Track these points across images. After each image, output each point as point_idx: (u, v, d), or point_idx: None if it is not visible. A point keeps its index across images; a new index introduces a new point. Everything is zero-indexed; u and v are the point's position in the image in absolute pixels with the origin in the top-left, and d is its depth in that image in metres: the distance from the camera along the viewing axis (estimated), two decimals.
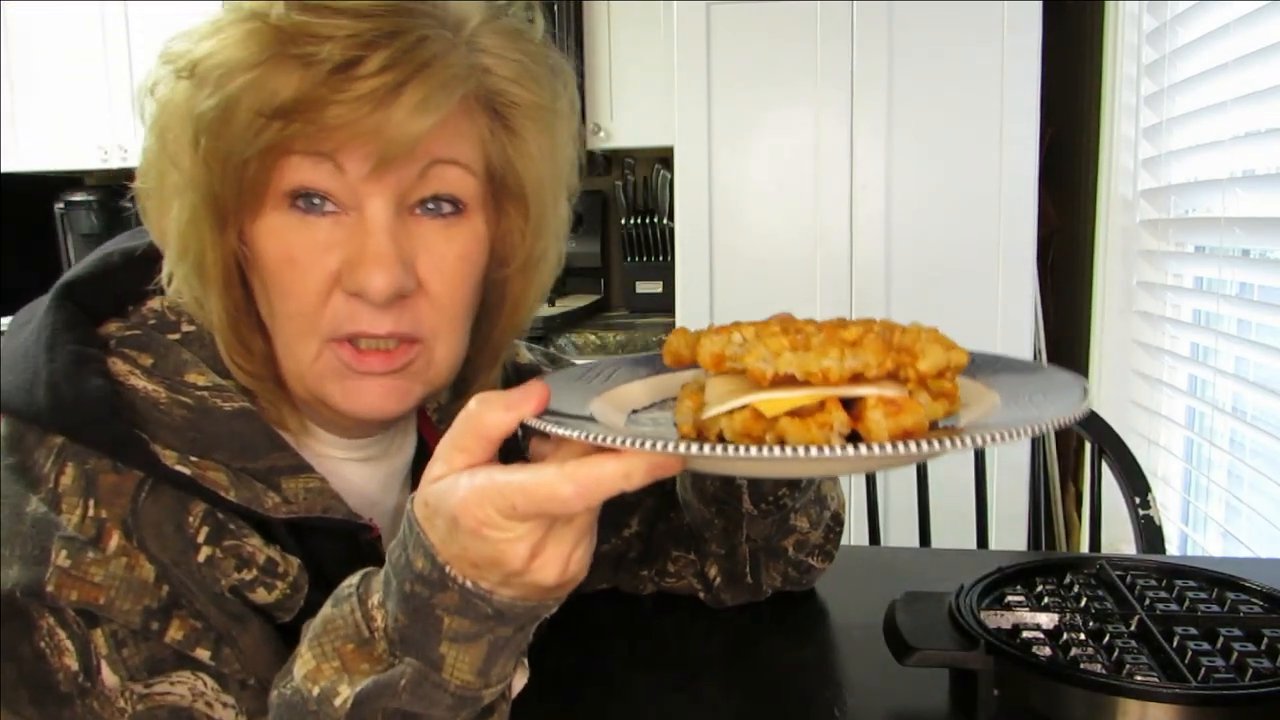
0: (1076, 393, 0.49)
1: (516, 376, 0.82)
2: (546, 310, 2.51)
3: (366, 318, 0.59)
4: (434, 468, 0.49)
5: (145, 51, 2.72)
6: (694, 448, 0.42)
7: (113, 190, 2.88)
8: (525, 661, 0.56)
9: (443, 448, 0.49)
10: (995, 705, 0.66)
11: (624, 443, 0.44)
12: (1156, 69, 1.95)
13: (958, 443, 0.44)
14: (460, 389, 0.72)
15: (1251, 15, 1.55)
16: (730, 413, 0.49)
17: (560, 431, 0.45)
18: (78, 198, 2.87)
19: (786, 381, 0.48)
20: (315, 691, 0.51)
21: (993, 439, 0.43)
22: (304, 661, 0.52)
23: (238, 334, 0.62)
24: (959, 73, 2.09)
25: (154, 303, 0.66)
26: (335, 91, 0.54)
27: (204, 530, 0.58)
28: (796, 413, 0.47)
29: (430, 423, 0.75)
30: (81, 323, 0.62)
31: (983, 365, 0.58)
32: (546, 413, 0.49)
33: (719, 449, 0.43)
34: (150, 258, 0.65)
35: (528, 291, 0.70)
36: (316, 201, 0.58)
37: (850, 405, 0.48)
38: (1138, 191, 2.06)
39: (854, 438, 0.47)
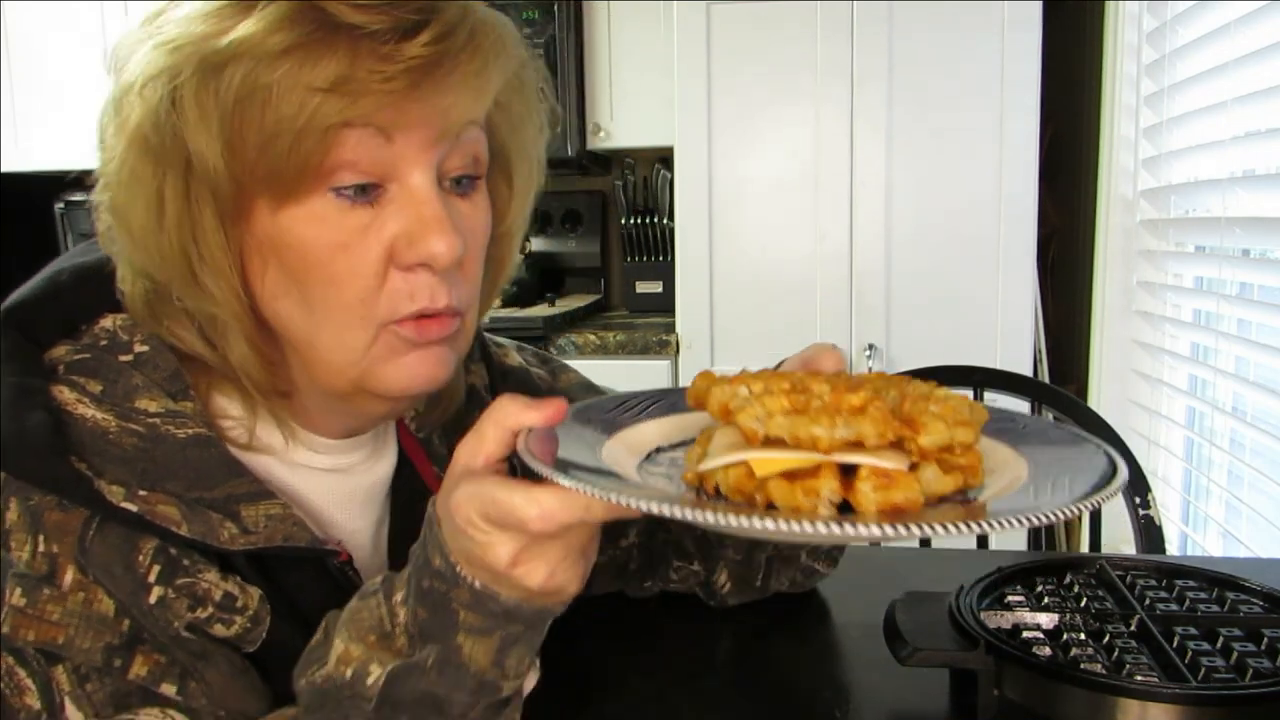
0: (1088, 483, 0.49)
1: (503, 381, 0.81)
2: (546, 310, 2.51)
3: (427, 293, 0.59)
4: (456, 454, 0.53)
5: None
6: (642, 504, 0.44)
7: None
8: (538, 662, 0.58)
9: (466, 437, 0.53)
10: (995, 705, 0.66)
11: (595, 493, 0.45)
12: (1156, 69, 1.95)
13: (937, 529, 0.42)
14: None
15: (1251, 15, 1.55)
16: (728, 466, 0.49)
17: (535, 466, 0.48)
18: (78, 198, 2.86)
19: (782, 442, 0.47)
20: (348, 674, 0.53)
21: (973, 527, 0.43)
22: (334, 648, 0.54)
23: (250, 340, 0.60)
24: (959, 72, 2.09)
25: (106, 321, 0.63)
26: (388, 63, 0.53)
27: (155, 569, 0.56)
28: (792, 475, 0.47)
29: (409, 432, 0.74)
30: (24, 350, 0.59)
31: (1033, 433, 0.57)
32: (564, 457, 0.51)
33: (652, 505, 0.44)
34: (106, 273, 0.62)
35: (509, 257, 0.71)
36: (367, 189, 0.57)
37: (851, 473, 0.48)
38: (1138, 191, 2.06)
39: (846, 507, 0.47)
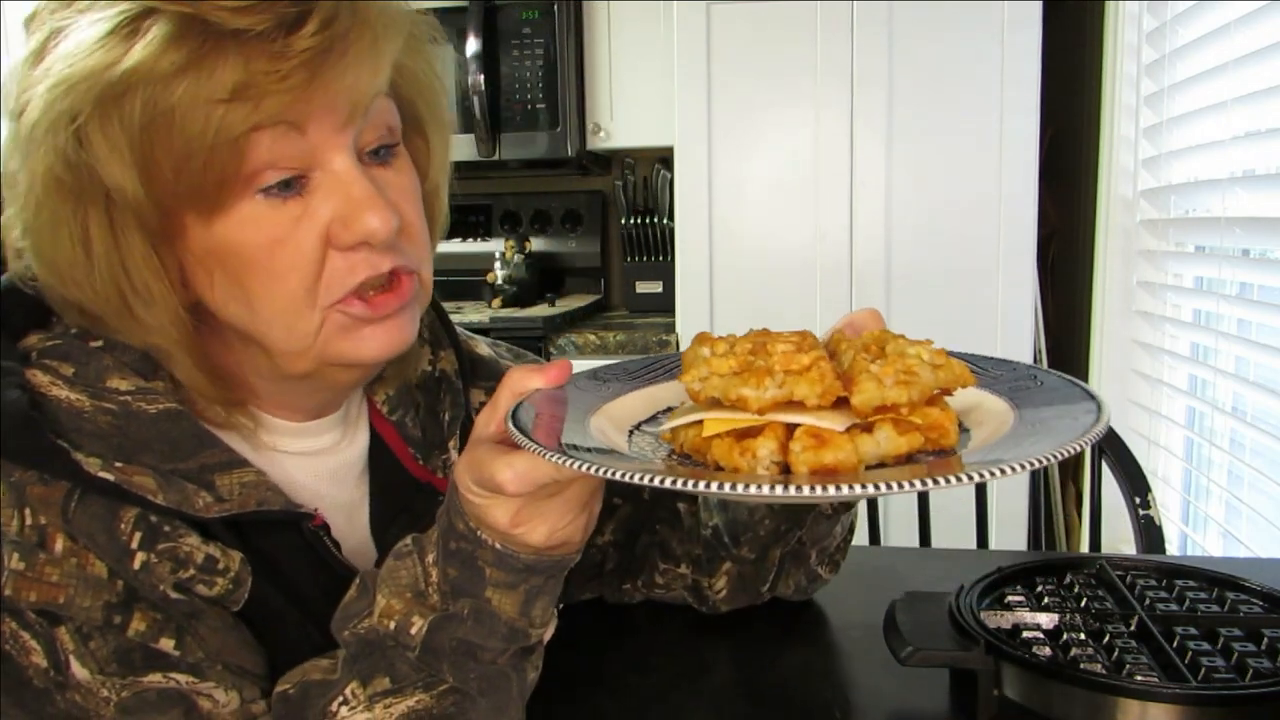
0: (1057, 439, 0.47)
1: (474, 368, 0.82)
2: (547, 310, 2.51)
3: (368, 263, 0.60)
4: (475, 425, 0.57)
5: None
6: (600, 470, 0.45)
7: None
8: (556, 612, 0.62)
9: (484, 408, 0.57)
10: (995, 705, 0.66)
11: (550, 457, 0.47)
12: (1156, 69, 1.95)
13: (855, 489, 0.42)
14: None
15: (1251, 15, 1.55)
16: (688, 426, 0.51)
17: (510, 430, 0.50)
18: None
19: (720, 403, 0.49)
20: (392, 626, 0.58)
21: (885, 488, 0.42)
22: (377, 603, 0.59)
23: (195, 362, 0.61)
24: (959, 72, 2.09)
25: None
26: (281, 60, 0.53)
27: (137, 535, 0.58)
28: (742, 435, 0.48)
29: (381, 414, 0.75)
30: None
31: (1030, 384, 0.56)
32: (568, 430, 0.53)
33: (610, 472, 0.45)
34: None
35: (440, 212, 0.72)
36: (291, 183, 0.57)
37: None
38: (1138, 191, 2.06)
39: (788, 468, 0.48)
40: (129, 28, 0.53)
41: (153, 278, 0.58)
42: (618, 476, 0.45)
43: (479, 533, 0.56)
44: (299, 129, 0.56)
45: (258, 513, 0.62)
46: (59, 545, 0.57)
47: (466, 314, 2.47)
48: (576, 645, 0.78)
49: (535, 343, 2.30)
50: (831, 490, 0.42)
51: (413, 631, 0.57)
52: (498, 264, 2.65)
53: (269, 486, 0.63)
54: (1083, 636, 0.70)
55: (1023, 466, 0.43)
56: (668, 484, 0.44)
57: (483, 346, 0.86)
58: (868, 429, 0.49)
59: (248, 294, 0.59)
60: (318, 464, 0.71)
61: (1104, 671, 0.65)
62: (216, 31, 0.53)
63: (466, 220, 2.87)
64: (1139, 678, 0.64)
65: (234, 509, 0.61)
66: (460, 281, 2.76)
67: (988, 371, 0.59)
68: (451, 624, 0.57)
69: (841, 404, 0.49)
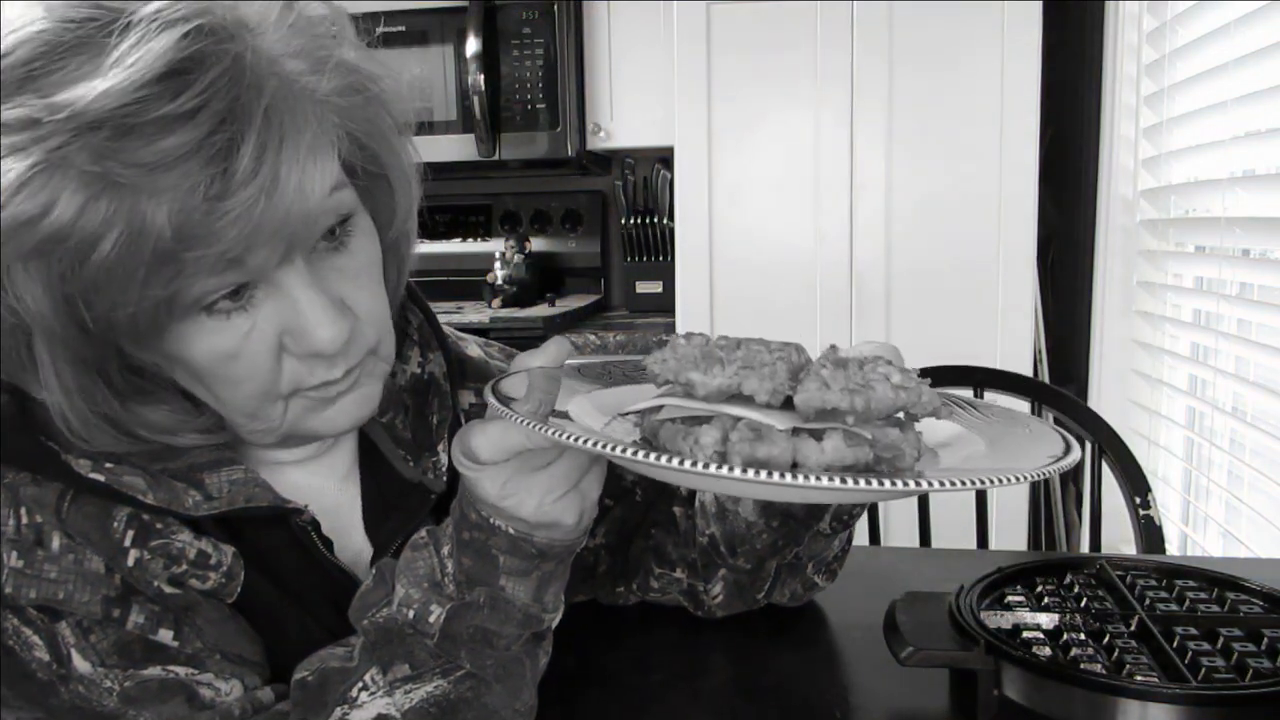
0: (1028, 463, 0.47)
1: (460, 370, 0.81)
2: (546, 310, 2.51)
3: (322, 370, 0.59)
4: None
5: None
6: (560, 435, 0.47)
7: None
8: (562, 597, 0.63)
9: None
10: (995, 705, 0.66)
11: (511, 418, 0.49)
12: (1156, 69, 1.95)
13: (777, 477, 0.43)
14: None
15: (1251, 15, 1.55)
16: (649, 410, 0.54)
17: (488, 398, 0.52)
18: None
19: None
20: (410, 615, 0.59)
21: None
22: (396, 593, 0.60)
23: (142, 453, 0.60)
24: (959, 72, 2.09)
25: None
26: (208, 218, 0.49)
27: (129, 533, 0.59)
28: (697, 422, 0.49)
29: (374, 418, 0.74)
30: None
31: (1003, 421, 0.57)
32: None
33: (577, 440, 0.46)
34: None
35: (409, 250, 0.71)
36: (238, 293, 0.55)
37: None
38: (1138, 191, 2.06)
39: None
40: (38, 183, 0.48)
41: (98, 398, 0.56)
42: (568, 440, 0.46)
43: (491, 519, 0.57)
44: (238, 264, 0.52)
45: (246, 509, 0.62)
46: (56, 542, 0.57)
47: (466, 314, 2.47)
48: (575, 645, 0.78)
49: (535, 343, 2.27)
50: (750, 474, 0.43)
51: (431, 619, 0.58)
52: (498, 264, 2.65)
53: (257, 483, 0.63)
54: (1083, 636, 0.70)
55: (933, 484, 0.43)
56: (611, 451, 0.45)
57: (473, 347, 0.86)
58: (817, 437, 0.48)
59: (209, 391, 0.59)
60: (298, 470, 0.71)
61: (1104, 671, 0.65)
62: (132, 192, 0.47)
63: (466, 220, 2.88)
64: (1139, 678, 0.64)
65: (222, 506, 0.61)
66: (460, 281, 2.76)
67: (984, 416, 0.59)
68: (469, 612, 0.58)
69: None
